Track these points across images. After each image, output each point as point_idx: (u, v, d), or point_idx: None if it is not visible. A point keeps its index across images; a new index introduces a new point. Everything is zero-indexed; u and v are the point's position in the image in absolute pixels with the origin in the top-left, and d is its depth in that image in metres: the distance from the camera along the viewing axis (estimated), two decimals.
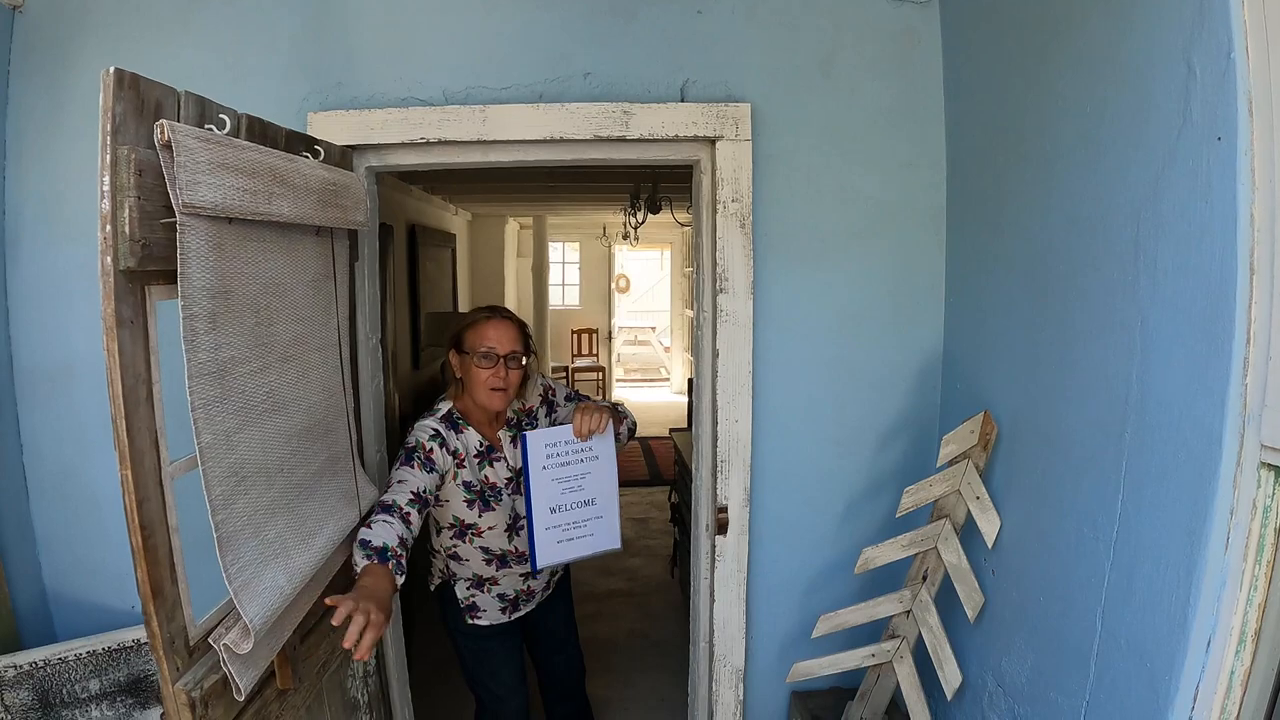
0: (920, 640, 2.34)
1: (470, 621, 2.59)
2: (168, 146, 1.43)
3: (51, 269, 2.44)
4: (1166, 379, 1.54)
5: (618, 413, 2.61)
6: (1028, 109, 2.08)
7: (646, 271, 17.60)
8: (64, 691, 2.32)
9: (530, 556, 2.41)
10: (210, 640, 1.61)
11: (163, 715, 1.55)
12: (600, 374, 13.17)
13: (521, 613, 2.67)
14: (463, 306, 9.93)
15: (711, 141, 2.48)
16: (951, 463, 2.26)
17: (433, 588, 2.67)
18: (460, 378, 2.47)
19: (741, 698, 2.74)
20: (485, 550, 2.51)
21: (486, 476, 2.44)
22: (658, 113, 2.43)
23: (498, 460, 2.45)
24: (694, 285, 2.70)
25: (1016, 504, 2.13)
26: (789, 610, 2.74)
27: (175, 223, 1.45)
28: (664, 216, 11.10)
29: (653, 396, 13.46)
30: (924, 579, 2.33)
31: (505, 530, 2.50)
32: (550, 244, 12.06)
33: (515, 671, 2.72)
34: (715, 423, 2.55)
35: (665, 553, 5.88)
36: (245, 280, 1.68)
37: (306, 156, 1.97)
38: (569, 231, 13.56)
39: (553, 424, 2.64)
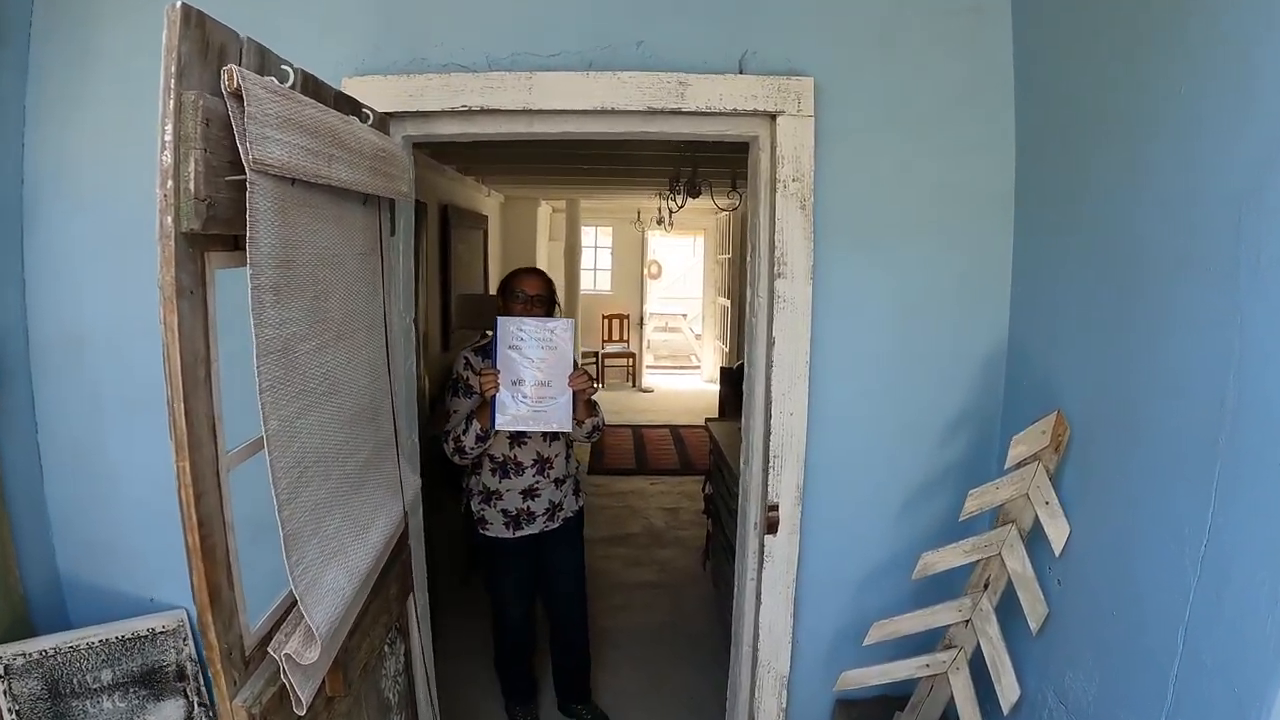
0: (978, 650, 2.21)
1: (481, 532, 3.20)
2: (237, 95, 1.29)
3: (66, 236, 2.34)
4: (1268, 381, 1.40)
5: (594, 404, 3.10)
6: (1112, 86, 1.91)
7: (678, 258, 17.46)
8: (75, 681, 2.23)
9: (490, 416, 2.80)
10: (270, 650, 1.50)
11: None
12: (630, 360, 13.05)
13: (525, 531, 3.19)
14: (494, 288, 9.83)
15: (772, 117, 2.33)
16: (1019, 465, 2.12)
17: (463, 511, 3.28)
18: (503, 314, 2.97)
19: (785, 705, 2.61)
20: (491, 459, 3.11)
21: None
22: (715, 84, 2.28)
23: None
24: (748, 269, 2.56)
25: (1088, 511, 1.98)
26: (837, 613, 2.60)
27: (243, 180, 1.31)
28: (699, 202, 10.98)
29: (683, 384, 13.31)
30: (985, 587, 2.19)
31: (509, 438, 3.10)
32: (583, 228, 11.94)
33: (515, 584, 3.32)
34: (769, 416, 2.42)
35: (697, 544, 5.76)
36: (304, 249, 1.55)
37: (356, 120, 1.85)
38: (602, 216, 13.43)
39: None
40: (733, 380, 9.56)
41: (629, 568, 5.59)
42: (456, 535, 4.95)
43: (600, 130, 2.38)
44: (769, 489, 2.45)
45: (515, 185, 9.81)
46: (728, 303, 11.80)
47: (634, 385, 12.86)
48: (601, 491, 7.27)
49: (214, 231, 1.32)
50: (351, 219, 1.83)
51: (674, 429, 9.80)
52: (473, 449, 2.94)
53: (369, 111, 2.03)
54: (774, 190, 2.35)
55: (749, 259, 2.54)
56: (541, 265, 11.66)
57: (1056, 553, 2.03)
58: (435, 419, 5.03)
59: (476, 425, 2.89)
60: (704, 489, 5.13)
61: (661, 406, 11.32)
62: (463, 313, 6.76)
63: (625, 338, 13.47)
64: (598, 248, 14.33)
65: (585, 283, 12.91)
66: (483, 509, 3.19)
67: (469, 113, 2.32)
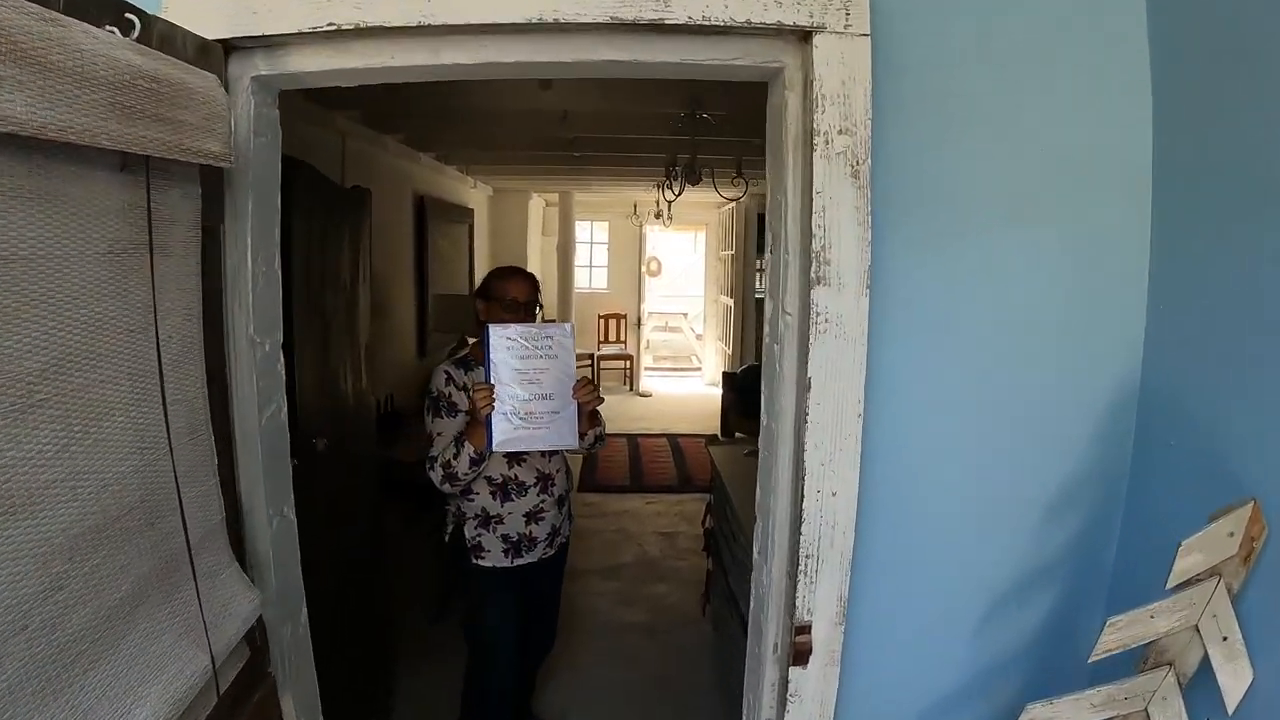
0: None
1: (475, 561, 2.86)
2: None
3: None
4: None
5: (597, 415, 2.89)
6: None
7: (678, 254, 16.75)
8: None
9: (487, 437, 2.52)
10: None
11: None
12: (628, 363, 12.31)
13: (524, 560, 2.90)
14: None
15: (805, 35, 1.53)
16: (1187, 583, 1.38)
17: (447, 537, 2.95)
18: (482, 321, 2.72)
19: None
20: (489, 480, 2.81)
21: None
22: None
23: None
24: (766, 270, 1.82)
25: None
26: None
27: None
28: (700, 194, 10.27)
29: (683, 387, 12.58)
30: None
31: (506, 457, 2.79)
32: (577, 223, 11.24)
33: (508, 620, 2.95)
34: (799, 496, 1.60)
35: (695, 578, 5.07)
36: None
37: (82, 24, 1.09)
38: (597, 210, 12.72)
39: None
40: (737, 386, 8.90)
41: (618, 606, 4.90)
42: (418, 563, 4.27)
43: (542, 59, 1.60)
44: (797, 603, 1.66)
45: (503, 176, 9.12)
46: (731, 302, 11.09)
47: (631, 389, 12.14)
48: (593, 512, 6.58)
49: None
50: (80, 194, 1.09)
51: (673, 439, 9.10)
52: (466, 475, 2.70)
53: (137, 18, 1.23)
54: (808, 149, 1.55)
55: (768, 254, 1.78)
56: (533, 262, 11.02)
57: (1230, 708, 1.32)
58: (395, 440, 4.45)
59: (469, 448, 2.63)
60: (704, 522, 4.43)
61: (660, 413, 10.59)
62: (442, 315, 6.06)
63: (622, 339, 12.75)
64: (593, 243, 13.61)
65: (580, 280, 12.18)
66: (479, 535, 2.87)
67: (340, 35, 1.53)
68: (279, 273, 1.73)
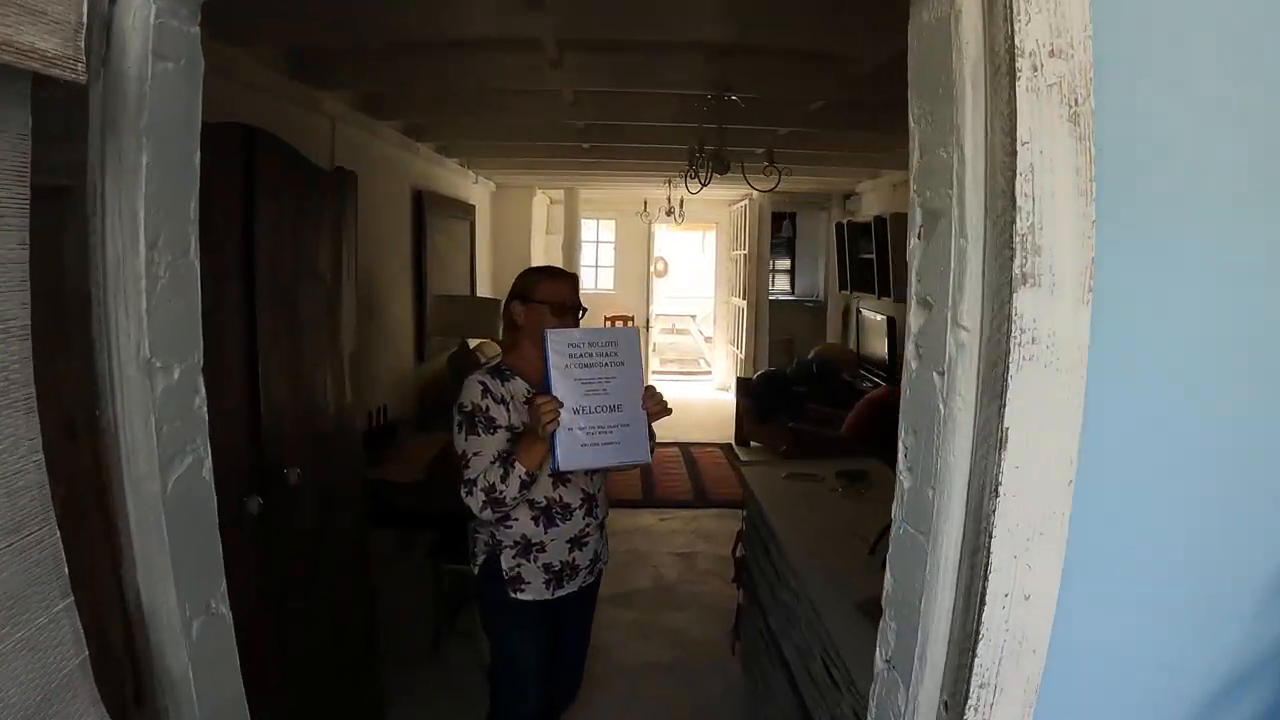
0: None
1: (514, 595, 2.56)
2: None
3: None
4: None
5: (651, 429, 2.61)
6: None
7: (685, 254, 16.30)
8: None
9: (551, 456, 2.31)
10: None
11: None
12: None
13: (565, 590, 2.62)
14: (483, 288, 8.72)
15: None
16: None
17: (476, 568, 2.62)
18: (521, 326, 2.53)
19: None
20: (532, 504, 2.50)
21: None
22: None
23: None
24: (918, 265, 1.32)
25: None
26: None
27: None
28: (713, 190, 9.80)
29: (693, 393, 12.05)
30: None
31: (551, 477, 2.48)
32: (583, 221, 10.78)
33: (542, 658, 2.67)
34: (977, 602, 1.09)
35: (718, 605, 4.63)
36: None
37: None
38: (604, 207, 12.26)
39: None
40: (754, 392, 8.45)
41: (635, 640, 4.43)
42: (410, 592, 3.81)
43: None
44: None
45: (506, 171, 8.67)
46: (743, 304, 10.63)
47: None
48: None
49: None
50: None
51: (685, 448, 8.62)
52: (514, 500, 2.41)
53: None
54: (1000, 79, 1.05)
55: (915, 240, 1.32)
56: (537, 261, 10.54)
57: None
58: (387, 458, 3.97)
59: (519, 469, 2.35)
60: (734, 551, 3.96)
61: (669, 420, 9.97)
62: (441, 317, 5.59)
63: None
64: (599, 242, 13.13)
65: (585, 281, 11.69)
66: (518, 565, 2.56)
67: None
68: (196, 266, 1.24)
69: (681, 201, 9.20)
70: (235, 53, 3.39)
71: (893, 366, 7.01)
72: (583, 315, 2.61)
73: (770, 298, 10.75)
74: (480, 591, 2.66)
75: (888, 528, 2.81)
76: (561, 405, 2.27)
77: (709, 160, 4.14)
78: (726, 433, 9.00)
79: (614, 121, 5.30)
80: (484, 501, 2.36)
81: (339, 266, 2.75)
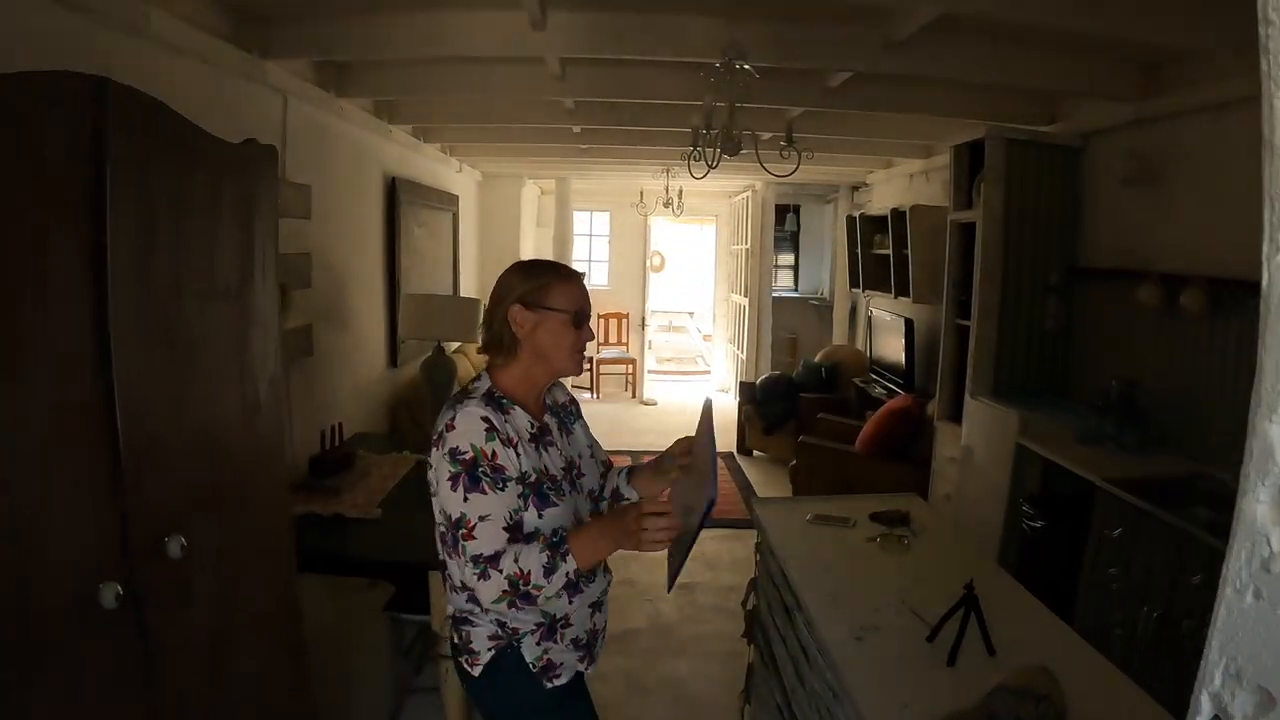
0: None
1: (550, 685, 2.02)
2: None
3: None
4: None
5: None
6: None
7: (682, 248, 15.68)
8: None
9: (671, 571, 1.95)
10: None
11: None
12: (630, 367, 11.21)
13: (597, 659, 2.17)
14: (466, 286, 8.12)
15: None
16: None
17: (479, 670, 2.00)
18: (524, 339, 1.98)
19: None
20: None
21: (546, 466, 1.98)
22: None
23: (550, 445, 2.03)
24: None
25: None
26: None
27: None
28: (713, 181, 9.18)
29: (691, 394, 11.40)
30: None
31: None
32: (575, 213, 10.16)
33: None
34: None
35: (723, 649, 4.14)
36: None
37: None
38: (597, 199, 11.63)
39: (565, 438, 2.13)
40: (757, 398, 7.82)
41: (633, 696, 3.86)
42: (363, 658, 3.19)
43: None
44: None
45: (493, 157, 8.05)
46: (745, 301, 10.03)
47: (634, 396, 11.05)
48: None
49: None
50: None
51: None
52: (550, 600, 1.91)
53: None
54: None
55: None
56: (527, 256, 9.93)
57: None
58: (335, 489, 3.32)
59: (569, 565, 1.81)
60: (744, 602, 3.35)
61: (666, 424, 9.44)
62: (415, 320, 4.96)
63: (624, 340, 11.66)
64: (592, 236, 12.49)
65: None
66: (547, 650, 2.02)
67: None
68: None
69: (680, 192, 8.58)
70: (148, 6, 2.78)
71: (910, 372, 6.40)
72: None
73: (773, 295, 10.15)
74: (490, 700, 2.08)
75: (953, 611, 2.09)
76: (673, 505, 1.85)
77: (718, 139, 3.52)
78: (727, 440, 8.34)
79: (608, 99, 4.70)
80: (505, 592, 1.79)
81: (250, 267, 2.14)
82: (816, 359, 8.19)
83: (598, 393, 10.98)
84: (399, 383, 5.90)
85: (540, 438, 2.01)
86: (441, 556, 1.93)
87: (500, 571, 1.76)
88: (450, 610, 2.04)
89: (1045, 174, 4.47)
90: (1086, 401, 4.31)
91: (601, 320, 11.52)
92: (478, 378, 2.01)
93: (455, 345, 6.85)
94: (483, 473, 1.81)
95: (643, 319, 11.36)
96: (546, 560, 1.78)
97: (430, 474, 1.88)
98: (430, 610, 2.99)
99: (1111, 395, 3.82)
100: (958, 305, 4.86)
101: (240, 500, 2.16)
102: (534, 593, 1.78)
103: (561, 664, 2.04)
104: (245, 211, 2.13)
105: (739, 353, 10.33)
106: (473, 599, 1.91)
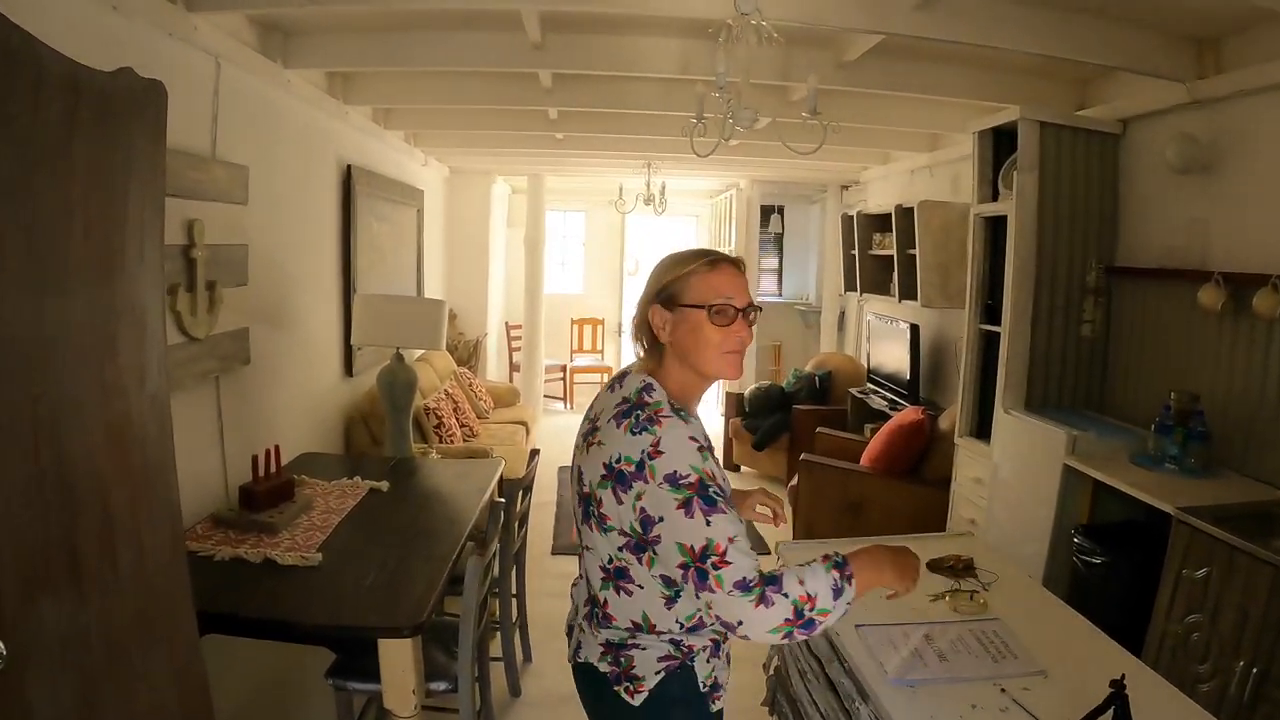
0: None
1: (714, 707, 1.88)
2: None
3: None
4: None
5: None
6: None
7: (661, 251, 15.10)
8: None
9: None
10: None
11: None
12: (605, 376, 10.64)
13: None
14: (431, 288, 7.52)
15: None
16: None
17: (642, 698, 1.77)
18: (669, 343, 1.77)
19: None
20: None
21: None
22: None
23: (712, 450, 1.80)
24: None
25: None
26: None
27: None
28: (696, 176, 8.65)
29: None
30: None
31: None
32: (549, 212, 9.57)
33: None
34: None
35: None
36: None
37: None
38: (572, 198, 11.05)
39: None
40: (747, 409, 7.14)
41: None
42: None
43: None
44: None
45: (461, 150, 7.46)
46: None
47: None
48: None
49: None
50: None
51: None
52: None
53: None
54: None
55: None
56: (496, 258, 9.38)
57: None
58: (271, 525, 2.66)
59: (851, 590, 1.62)
60: (767, 665, 2.78)
61: None
62: (370, 324, 4.36)
63: (599, 348, 11.08)
64: (566, 237, 11.90)
65: (551, 281, 10.44)
66: (715, 668, 1.85)
67: None
68: None
69: (663, 188, 8.03)
70: None
71: (915, 381, 5.89)
72: (754, 319, 1.83)
73: (758, 300, 9.60)
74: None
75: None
76: None
77: (730, 109, 2.95)
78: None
79: (592, 71, 4.14)
80: (788, 620, 1.58)
81: (120, 245, 1.54)
82: (808, 368, 7.66)
83: (571, 402, 10.39)
84: (355, 395, 5.29)
85: (708, 444, 1.78)
86: (601, 595, 1.77)
87: (785, 595, 1.57)
88: (600, 639, 1.80)
89: (1081, 162, 3.97)
90: (1128, 417, 3.82)
91: (574, 327, 10.96)
92: (647, 387, 1.77)
93: (418, 354, 6.25)
94: (715, 493, 1.63)
95: (620, 325, 10.80)
96: (835, 582, 1.60)
97: (619, 493, 1.65)
98: (381, 680, 2.40)
99: (1171, 410, 3.31)
100: (983, 309, 4.33)
101: (108, 564, 1.57)
102: (819, 619, 1.60)
103: (724, 684, 1.91)
104: (113, 168, 1.53)
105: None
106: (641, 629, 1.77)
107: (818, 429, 6.06)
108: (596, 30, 3.79)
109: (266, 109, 3.96)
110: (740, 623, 1.57)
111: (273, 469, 3.14)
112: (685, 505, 1.59)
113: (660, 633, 1.77)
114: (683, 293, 1.77)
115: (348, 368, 5.24)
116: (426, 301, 5.10)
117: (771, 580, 1.58)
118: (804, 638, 1.65)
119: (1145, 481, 3.12)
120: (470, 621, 2.56)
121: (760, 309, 1.86)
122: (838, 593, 1.60)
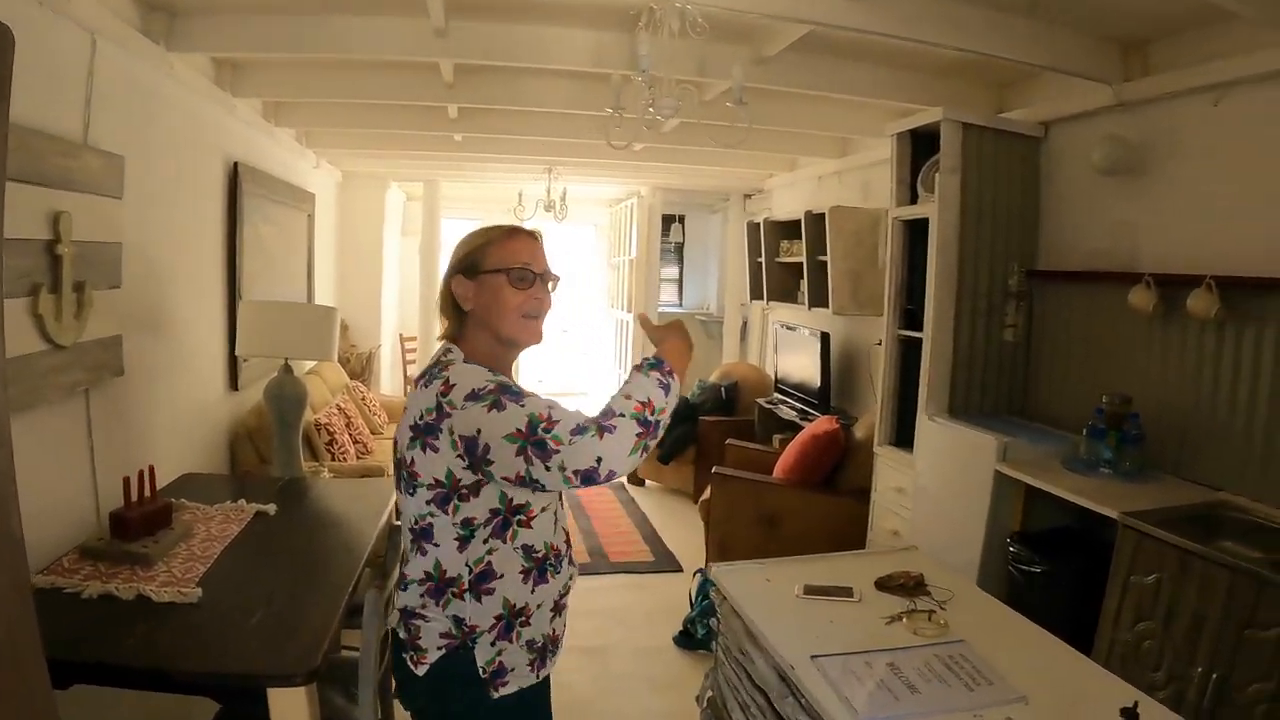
0: None
1: (496, 695, 1.85)
2: None
3: None
4: None
5: None
6: None
7: (554, 260, 14.88)
8: None
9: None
10: None
11: None
12: None
13: (547, 670, 1.96)
14: (322, 293, 7.14)
15: None
16: None
17: (424, 669, 1.83)
18: (469, 311, 1.87)
19: None
20: (528, 552, 1.83)
21: None
22: None
23: None
24: None
25: None
26: None
27: None
28: (591, 189, 8.44)
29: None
30: None
31: (553, 514, 1.90)
32: (444, 220, 9.26)
33: None
34: None
35: None
36: None
37: None
38: (469, 205, 10.74)
39: None
40: (697, 412, 6.94)
41: None
42: None
43: None
44: None
45: (353, 151, 7.12)
46: (628, 317, 9.36)
47: None
48: None
49: None
50: None
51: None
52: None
53: None
54: None
55: None
56: (390, 266, 9.06)
57: None
58: (146, 557, 2.32)
59: (674, 381, 1.72)
60: (699, 697, 2.60)
61: None
62: (256, 333, 4.04)
63: None
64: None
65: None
66: (500, 650, 1.84)
67: None
68: None
69: (564, 194, 7.84)
70: None
71: (825, 390, 5.83)
72: (554, 286, 1.95)
73: (661, 309, 9.52)
74: (426, 703, 1.91)
75: None
76: None
77: (651, 94, 2.78)
78: None
79: (496, 61, 3.92)
80: (639, 435, 1.60)
81: None
82: (713, 378, 7.57)
83: None
84: (242, 409, 4.91)
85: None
86: (409, 558, 1.83)
87: (622, 415, 1.59)
88: (400, 604, 1.86)
89: (1004, 165, 3.96)
90: (1054, 421, 3.82)
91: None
92: (444, 349, 1.87)
93: (309, 365, 5.88)
94: (517, 389, 1.72)
95: None
96: (661, 380, 1.68)
97: (430, 442, 1.69)
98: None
99: (1104, 414, 3.28)
100: (902, 314, 4.28)
101: None
102: (661, 419, 1.65)
103: (512, 669, 1.86)
104: None
105: (621, 373, 9.64)
106: (432, 591, 1.79)
107: (727, 440, 5.96)
108: (505, 18, 3.58)
109: (147, 96, 3.61)
110: (599, 459, 1.56)
111: (147, 492, 2.82)
112: (494, 405, 1.62)
113: (447, 584, 1.78)
114: (483, 261, 1.86)
115: (233, 380, 4.86)
116: (317, 308, 4.78)
117: (602, 414, 1.60)
118: (655, 442, 1.66)
119: (1083, 487, 3.08)
120: (371, 661, 2.29)
121: (559, 278, 1.94)
122: (667, 388, 1.67)
